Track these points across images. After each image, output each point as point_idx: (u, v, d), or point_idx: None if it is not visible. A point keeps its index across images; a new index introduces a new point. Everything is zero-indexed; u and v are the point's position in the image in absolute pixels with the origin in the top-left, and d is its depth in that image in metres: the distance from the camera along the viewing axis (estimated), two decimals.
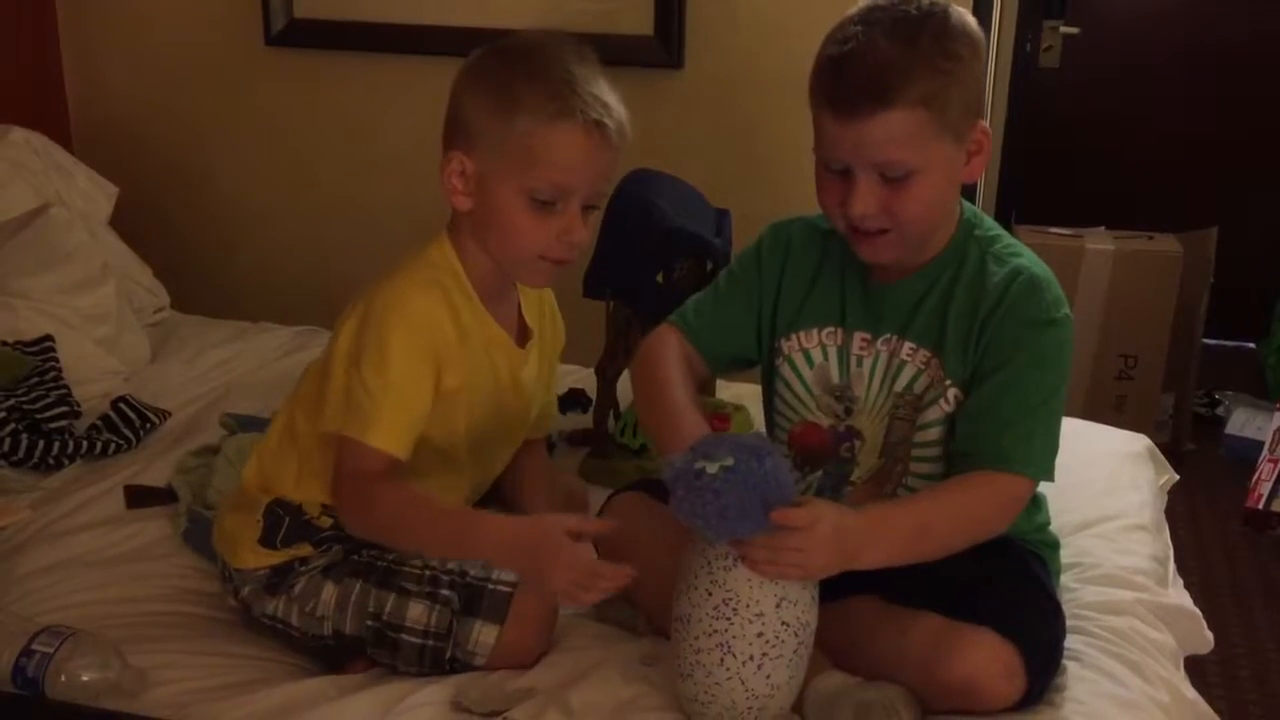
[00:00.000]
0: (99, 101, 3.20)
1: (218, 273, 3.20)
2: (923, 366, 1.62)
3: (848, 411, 1.68)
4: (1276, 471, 3.37)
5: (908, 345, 1.63)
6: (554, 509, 1.84)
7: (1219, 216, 3.79)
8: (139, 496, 2.08)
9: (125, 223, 2.91)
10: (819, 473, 1.68)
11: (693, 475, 1.39)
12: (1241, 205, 4.32)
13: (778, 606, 1.43)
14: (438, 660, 1.61)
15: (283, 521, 1.68)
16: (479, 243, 1.64)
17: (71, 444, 2.18)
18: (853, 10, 1.54)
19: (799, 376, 1.70)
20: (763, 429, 1.81)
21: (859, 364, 1.66)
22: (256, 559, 1.69)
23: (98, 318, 2.56)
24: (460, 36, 2.88)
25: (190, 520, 1.96)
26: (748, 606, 1.43)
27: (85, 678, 1.52)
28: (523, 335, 1.75)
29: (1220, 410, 3.98)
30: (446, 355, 1.61)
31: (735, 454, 1.39)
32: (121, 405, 2.31)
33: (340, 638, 1.66)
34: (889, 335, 1.65)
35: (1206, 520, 3.36)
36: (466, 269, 1.65)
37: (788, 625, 1.44)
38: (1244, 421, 3.80)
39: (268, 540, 1.68)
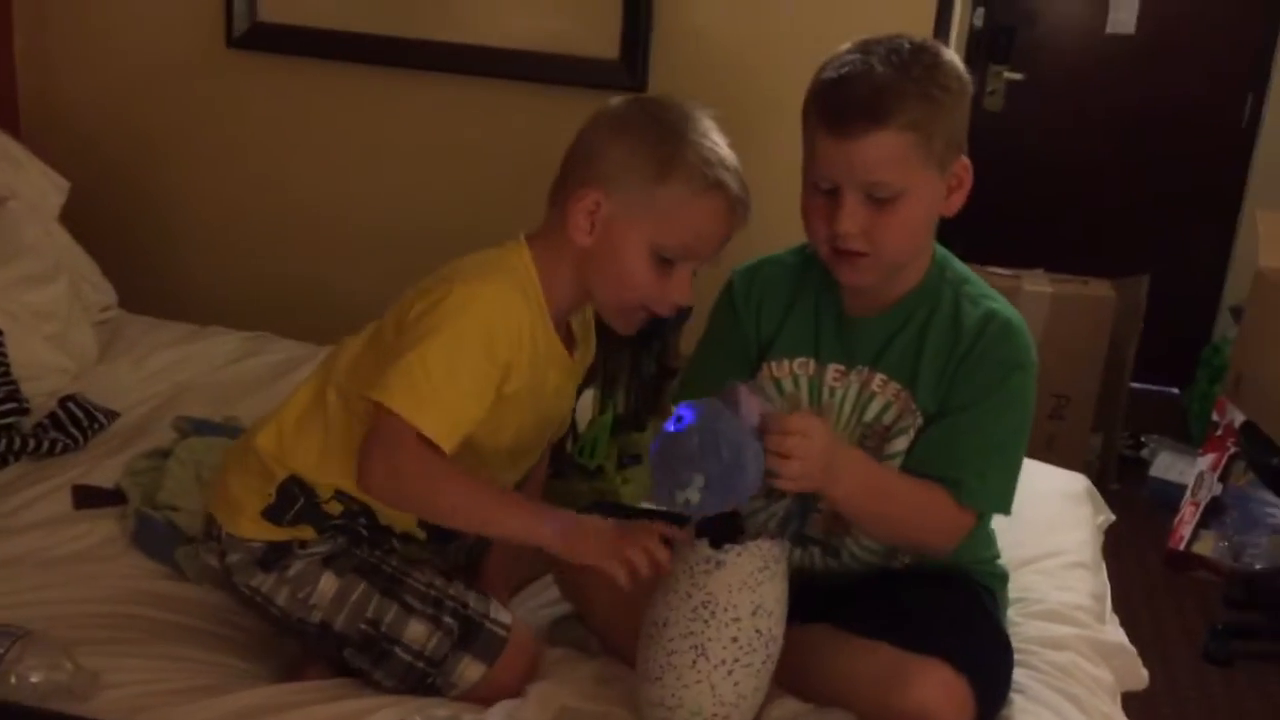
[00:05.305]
0: (51, 95, 3.14)
1: (167, 273, 3.16)
2: (893, 399, 1.66)
3: None
4: (1198, 515, 3.47)
5: (879, 377, 1.67)
6: None
7: (1151, 265, 3.90)
8: (86, 497, 2.05)
9: (74, 218, 2.85)
10: (786, 498, 1.71)
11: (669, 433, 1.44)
12: (1173, 255, 4.45)
13: (753, 614, 1.47)
14: (418, 682, 1.60)
15: (296, 500, 1.63)
16: (578, 275, 1.63)
17: (19, 441, 2.15)
18: (846, 44, 1.60)
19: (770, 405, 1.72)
20: None
21: (831, 394, 1.69)
22: (256, 530, 1.64)
23: (47, 314, 2.51)
24: (423, 49, 2.91)
25: (139, 522, 1.94)
26: (725, 610, 1.47)
27: (35, 679, 1.50)
28: (570, 347, 1.73)
29: (1145, 453, 4.08)
30: (518, 359, 1.57)
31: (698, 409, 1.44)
32: (70, 404, 2.28)
33: (325, 630, 1.63)
34: (861, 367, 1.68)
35: (1129, 560, 3.44)
36: (544, 285, 1.62)
37: (760, 634, 1.48)
38: (1168, 465, 3.92)
39: (275, 515, 1.64)
